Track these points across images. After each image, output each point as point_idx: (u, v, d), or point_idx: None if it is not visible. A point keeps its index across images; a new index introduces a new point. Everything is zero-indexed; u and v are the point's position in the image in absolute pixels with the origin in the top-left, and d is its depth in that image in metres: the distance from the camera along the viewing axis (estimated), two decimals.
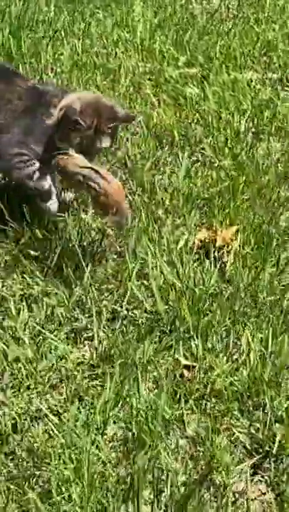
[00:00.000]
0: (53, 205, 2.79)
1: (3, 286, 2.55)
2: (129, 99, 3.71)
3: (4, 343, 2.35)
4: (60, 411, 2.14)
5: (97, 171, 2.56)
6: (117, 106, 2.72)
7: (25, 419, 2.11)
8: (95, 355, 2.32)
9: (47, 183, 2.75)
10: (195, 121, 3.57)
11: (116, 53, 4.26)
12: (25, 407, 2.15)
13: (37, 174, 2.72)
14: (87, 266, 2.56)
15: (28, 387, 2.22)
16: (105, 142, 2.69)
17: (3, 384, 2.23)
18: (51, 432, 2.08)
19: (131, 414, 2.11)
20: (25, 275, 2.62)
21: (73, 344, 2.39)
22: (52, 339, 2.35)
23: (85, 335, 2.44)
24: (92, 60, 4.10)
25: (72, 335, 2.44)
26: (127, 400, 2.15)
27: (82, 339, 2.43)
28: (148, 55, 4.24)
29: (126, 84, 3.84)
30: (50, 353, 2.34)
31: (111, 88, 3.81)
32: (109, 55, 4.25)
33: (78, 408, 2.10)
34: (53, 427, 2.07)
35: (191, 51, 4.25)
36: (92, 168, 2.57)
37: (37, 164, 2.71)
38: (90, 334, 2.44)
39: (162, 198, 2.98)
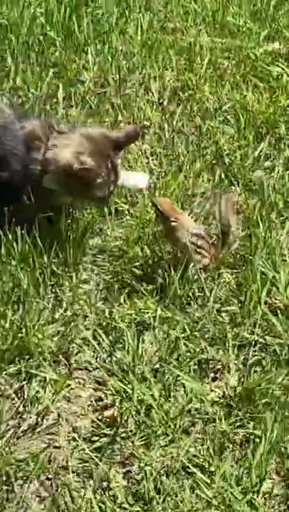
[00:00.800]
0: None
1: (111, 313, 2.33)
2: (213, 81, 3.47)
3: (121, 381, 2.15)
4: (204, 464, 1.93)
5: (203, 237, 2.47)
6: (110, 132, 2.58)
7: (165, 475, 1.92)
8: (231, 393, 2.11)
9: None
10: None
11: (185, 28, 4.00)
12: (163, 460, 1.95)
13: None
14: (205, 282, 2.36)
15: (158, 435, 2.02)
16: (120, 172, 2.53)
17: (129, 433, 2.03)
18: (198, 491, 1.88)
19: None
20: (133, 298, 2.40)
21: (201, 379, 2.18)
22: (179, 375, 2.14)
23: (213, 367, 2.23)
24: (162, 38, 3.84)
25: (195, 366, 2.22)
26: (282, 449, 1.94)
27: (209, 372, 2.22)
28: (222, 29, 3.98)
29: (205, 64, 3.59)
30: (176, 390, 2.13)
31: (189, 69, 3.57)
32: (178, 31, 4.00)
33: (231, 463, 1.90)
34: (201, 484, 1.88)
35: (270, 23, 3.98)
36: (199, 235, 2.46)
37: None
38: (218, 367, 2.23)
39: (274, 200, 2.76)
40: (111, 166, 2.48)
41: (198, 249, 2.43)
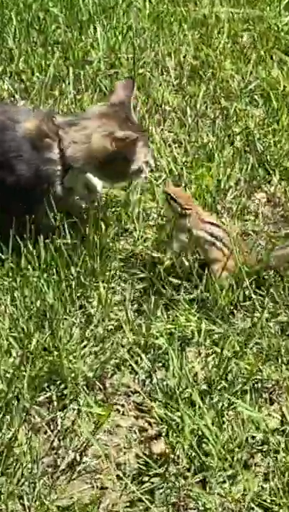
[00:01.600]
0: None
1: (148, 328, 2.14)
2: (234, 57, 3.25)
3: (166, 407, 1.96)
4: (271, 506, 1.75)
5: (225, 230, 2.29)
6: (110, 100, 2.43)
7: None
8: None
9: None
10: None
11: None
12: (223, 501, 1.77)
13: None
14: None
15: (214, 471, 1.83)
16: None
17: (181, 469, 1.85)
18: None
19: None
20: (172, 309, 2.21)
21: (256, 401, 2.00)
22: (230, 400, 1.96)
23: (267, 387, 2.04)
24: (173, 11, 3.62)
25: (247, 387, 2.04)
26: None
27: (263, 394, 2.04)
28: None
29: (223, 38, 3.37)
30: (229, 416, 1.94)
31: (207, 44, 3.35)
32: (190, 2, 3.78)
33: None
34: None
35: None
36: (221, 226, 2.30)
37: None
38: (274, 386, 2.04)
39: None
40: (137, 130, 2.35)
41: (216, 242, 2.25)
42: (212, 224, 2.30)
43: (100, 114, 2.37)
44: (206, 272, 2.24)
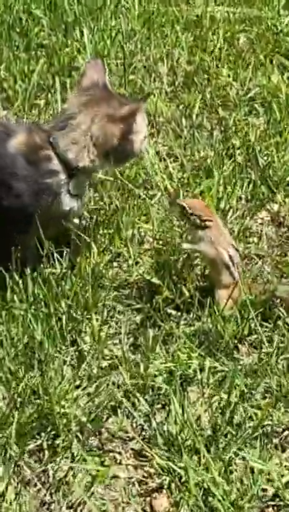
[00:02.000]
0: None
1: (146, 368, 2.03)
2: (231, 62, 3.14)
3: (168, 456, 1.86)
4: None
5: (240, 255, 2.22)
6: (79, 85, 2.33)
7: None
8: None
9: None
10: None
11: None
12: None
13: None
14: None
15: None
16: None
17: None
18: None
19: None
20: (171, 344, 2.11)
21: (265, 448, 1.90)
22: (240, 449, 1.86)
23: (278, 432, 1.94)
24: (164, 10, 3.51)
25: (257, 433, 1.94)
26: None
27: (274, 440, 1.94)
28: None
29: (219, 40, 3.27)
30: (236, 465, 1.84)
31: (202, 48, 3.24)
32: (182, 1, 3.67)
33: None
34: None
35: None
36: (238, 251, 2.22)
37: None
38: (284, 431, 1.94)
39: None
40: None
41: (231, 267, 2.16)
42: (233, 246, 2.19)
43: (84, 104, 2.25)
44: (209, 300, 2.13)
